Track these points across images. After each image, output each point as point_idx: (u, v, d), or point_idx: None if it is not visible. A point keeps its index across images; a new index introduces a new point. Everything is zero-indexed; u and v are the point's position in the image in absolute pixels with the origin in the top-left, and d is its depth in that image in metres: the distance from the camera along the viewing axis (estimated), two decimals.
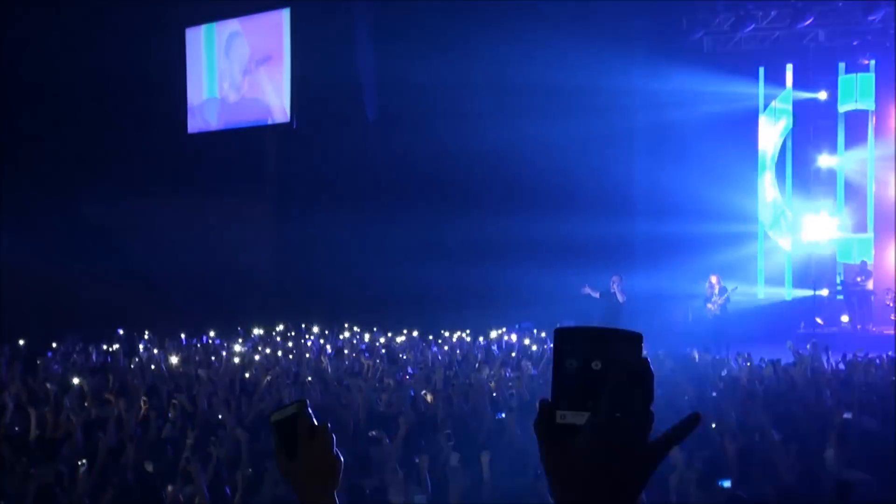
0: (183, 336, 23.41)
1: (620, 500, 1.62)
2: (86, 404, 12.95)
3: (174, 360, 18.68)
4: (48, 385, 14.59)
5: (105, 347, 21.37)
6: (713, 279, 24.40)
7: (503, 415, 11.51)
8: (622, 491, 1.62)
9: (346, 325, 25.26)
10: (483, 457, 9.22)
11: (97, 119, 31.19)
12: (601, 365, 1.66)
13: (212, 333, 24.48)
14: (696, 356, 18.08)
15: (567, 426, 1.66)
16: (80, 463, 9.44)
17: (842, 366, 16.33)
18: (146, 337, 23.13)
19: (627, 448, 1.61)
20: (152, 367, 17.92)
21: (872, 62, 26.96)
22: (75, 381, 14.83)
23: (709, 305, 24.22)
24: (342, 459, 2.51)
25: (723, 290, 24.13)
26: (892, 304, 24.94)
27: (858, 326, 25.52)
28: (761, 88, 28.65)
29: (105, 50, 29.87)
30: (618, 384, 1.63)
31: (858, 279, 26.18)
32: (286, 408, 2.53)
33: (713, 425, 10.89)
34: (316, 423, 2.50)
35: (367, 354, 19.12)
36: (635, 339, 1.70)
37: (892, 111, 27.31)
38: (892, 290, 25.23)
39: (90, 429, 11.23)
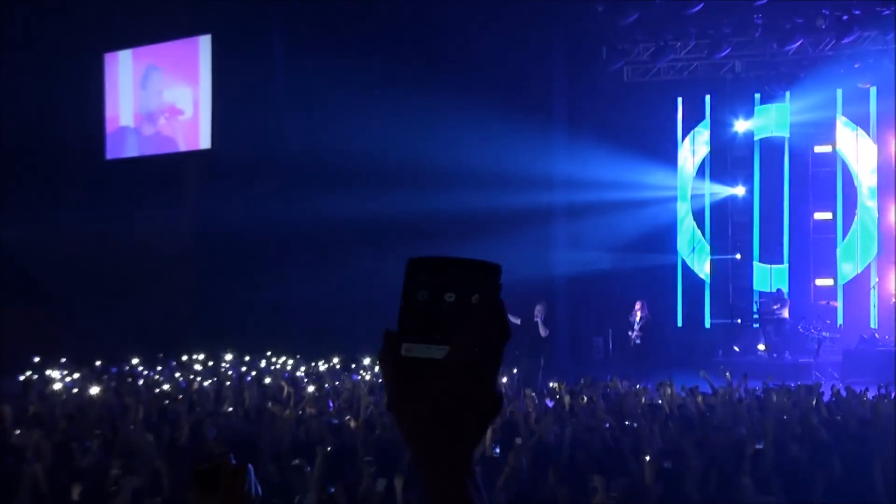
0: (99, 363, 23.11)
1: (467, 439, 1.57)
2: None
3: (94, 388, 18.43)
4: None
5: (21, 377, 20.99)
6: (637, 305, 24.57)
7: None
8: (470, 430, 1.57)
9: (268, 353, 25.04)
10: (396, 481, 9.18)
11: (12, 141, 30.80)
12: (455, 297, 1.58)
13: (134, 361, 24.13)
14: (617, 384, 18.19)
15: (412, 360, 1.59)
16: None
17: (759, 393, 16.55)
18: (62, 364, 22.78)
19: (482, 385, 1.56)
20: (74, 391, 17.73)
21: (787, 93, 27.40)
22: None
23: (630, 333, 24.39)
24: (260, 493, 2.49)
25: (643, 320, 24.30)
26: (814, 333, 25.10)
27: (775, 355, 25.83)
28: (680, 119, 29.02)
29: (23, 71, 29.59)
30: (477, 317, 1.56)
31: (774, 307, 26.51)
32: (211, 460, 2.50)
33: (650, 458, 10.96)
34: (235, 464, 2.48)
35: (289, 382, 19.00)
36: (494, 271, 1.60)
37: (806, 141, 27.78)
38: (812, 320, 25.51)
39: (7, 457, 11.08)
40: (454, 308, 1.57)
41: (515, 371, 21.35)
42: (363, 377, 21.06)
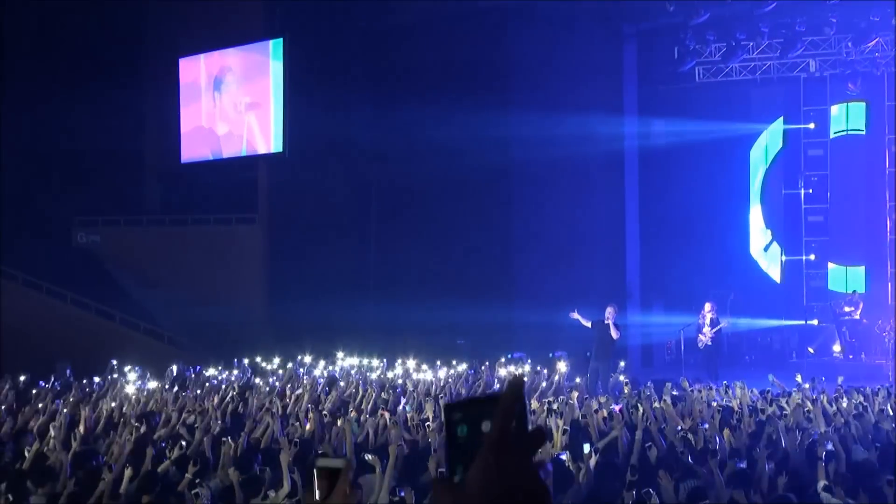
0: (175, 367, 23.32)
1: None
2: (78, 435, 12.93)
3: (169, 392, 18.64)
4: (40, 416, 14.64)
5: (99, 379, 21.26)
6: (707, 307, 24.24)
7: None
8: None
9: (340, 356, 25.11)
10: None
11: (92, 149, 31.25)
12: (490, 426, 1.69)
13: (209, 365, 24.34)
14: (687, 387, 18.09)
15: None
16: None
17: (832, 395, 16.37)
18: (137, 368, 23.01)
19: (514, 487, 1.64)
20: (154, 395, 17.95)
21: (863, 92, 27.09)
22: (65, 411, 14.83)
23: (700, 335, 24.11)
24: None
25: (714, 322, 23.95)
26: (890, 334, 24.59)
27: (850, 356, 25.48)
28: (752, 119, 28.76)
29: (100, 78, 30.01)
30: (490, 439, 1.66)
31: (848, 309, 26.13)
32: (334, 459, 2.64)
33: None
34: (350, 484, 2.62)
35: (362, 385, 19.06)
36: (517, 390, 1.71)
37: (882, 140, 27.41)
38: (890, 321, 25.05)
39: (82, 459, 11.25)
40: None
41: (587, 374, 21.37)
42: (436, 378, 21.04)
